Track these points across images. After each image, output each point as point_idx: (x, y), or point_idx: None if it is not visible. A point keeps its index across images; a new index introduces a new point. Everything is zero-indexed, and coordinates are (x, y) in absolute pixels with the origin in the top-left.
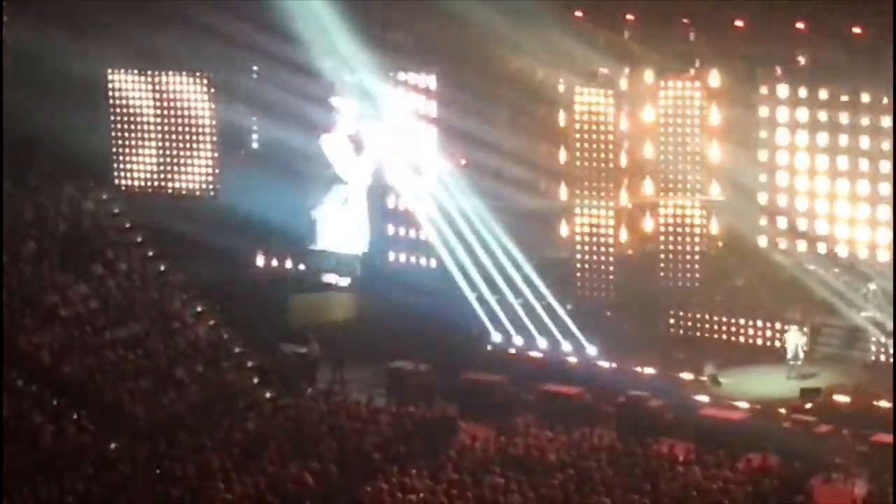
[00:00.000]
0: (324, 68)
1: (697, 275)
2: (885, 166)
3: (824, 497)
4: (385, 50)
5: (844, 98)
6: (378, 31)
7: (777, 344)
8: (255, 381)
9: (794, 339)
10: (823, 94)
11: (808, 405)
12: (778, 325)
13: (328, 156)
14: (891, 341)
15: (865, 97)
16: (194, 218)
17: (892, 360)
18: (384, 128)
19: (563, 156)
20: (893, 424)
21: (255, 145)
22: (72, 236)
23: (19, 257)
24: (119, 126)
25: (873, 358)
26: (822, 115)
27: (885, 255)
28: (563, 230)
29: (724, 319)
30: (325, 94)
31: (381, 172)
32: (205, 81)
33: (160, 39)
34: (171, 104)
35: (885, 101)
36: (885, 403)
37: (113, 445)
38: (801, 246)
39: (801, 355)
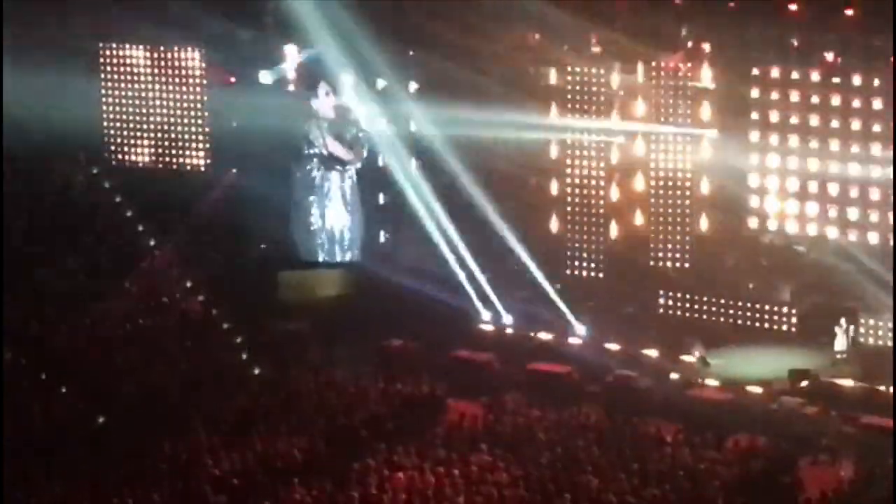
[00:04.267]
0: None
1: (688, 255)
2: (876, 149)
3: (811, 478)
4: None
5: (836, 80)
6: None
7: (766, 325)
8: (244, 357)
9: (843, 331)
10: (815, 77)
11: (797, 387)
12: (767, 307)
13: (314, 136)
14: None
15: (857, 79)
16: (187, 193)
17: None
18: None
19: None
20: (894, 410)
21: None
22: (62, 210)
23: (10, 231)
24: (112, 100)
25: (861, 341)
26: (814, 97)
27: (874, 238)
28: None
29: (714, 300)
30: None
31: (372, 152)
32: (199, 56)
33: (156, 13)
34: (166, 78)
35: (877, 82)
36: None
37: (101, 420)
38: (791, 227)
39: (850, 347)
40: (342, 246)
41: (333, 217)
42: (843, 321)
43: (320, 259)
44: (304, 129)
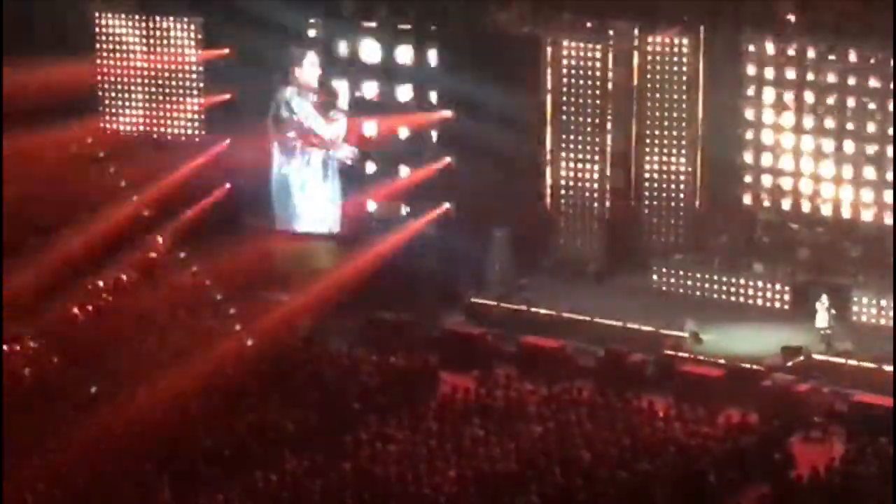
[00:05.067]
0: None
1: (681, 230)
2: (871, 126)
3: (803, 455)
4: None
5: (832, 57)
6: None
7: (759, 302)
8: (238, 328)
9: (825, 307)
10: (811, 54)
11: (789, 363)
12: (760, 283)
13: (295, 104)
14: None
15: (853, 57)
16: (181, 163)
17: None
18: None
19: (549, 107)
20: (894, 389)
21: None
22: (56, 180)
23: (2, 201)
24: (106, 69)
25: (854, 318)
26: (810, 75)
27: (868, 216)
28: (548, 182)
29: (707, 276)
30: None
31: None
32: (193, 27)
33: None
34: (160, 48)
35: (873, 60)
36: (867, 364)
37: (93, 389)
38: (786, 204)
39: (831, 323)
40: (321, 216)
41: (313, 187)
42: (824, 297)
43: (298, 229)
44: (286, 94)
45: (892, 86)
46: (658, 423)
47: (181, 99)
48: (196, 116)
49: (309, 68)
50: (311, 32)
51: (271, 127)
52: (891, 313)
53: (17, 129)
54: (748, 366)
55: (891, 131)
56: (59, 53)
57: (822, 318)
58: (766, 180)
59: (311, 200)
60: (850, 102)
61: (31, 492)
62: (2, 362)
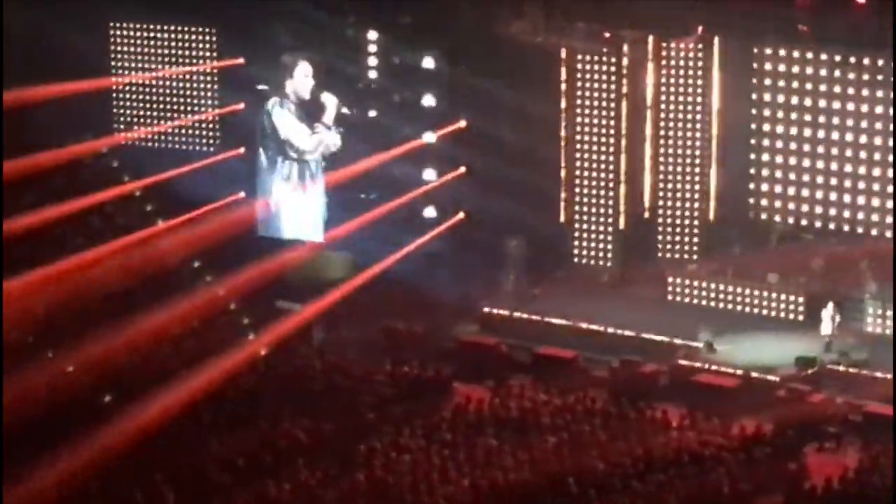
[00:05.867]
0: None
1: (696, 240)
2: (885, 137)
3: (817, 465)
4: None
5: (846, 68)
6: None
7: (773, 313)
8: (251, 337)
9: (830, 315)
10: (824, 65)
11: (803, 374)
12: (774, 295)
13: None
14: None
15: (867, 67)
16: (196, 174)
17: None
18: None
19: (563, 116)
20: (894, 398)
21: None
22: (70, 190)
23: (17, 209)
24: (121, 81)
25: (869, 329)
26: (823, 85)
27: (881, 227)
28: (562, 191)
29: (721, 287)
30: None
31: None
32: (208, 37)
33: None
34: (176, 59)
35: (884, 72)
36: (880, 374)
37: (106, 399)
38: (800, 215)
39: (835, 332)
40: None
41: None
42: (830, 305)
43: (271, 235)
44: (268, 105)
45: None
46: (672, 433)
47: (196, 109)
48: (211, 126)
49: (301, 79)
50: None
51: (258, 138)
52: None
53: (33, 145)
54: (762, 376)
55: None
56: (74, 67)
57: (826, 326)
58: (780, 190)
59: (291, 210)
60: (864, 113)
61: (42, 499)
62: (2, 367)
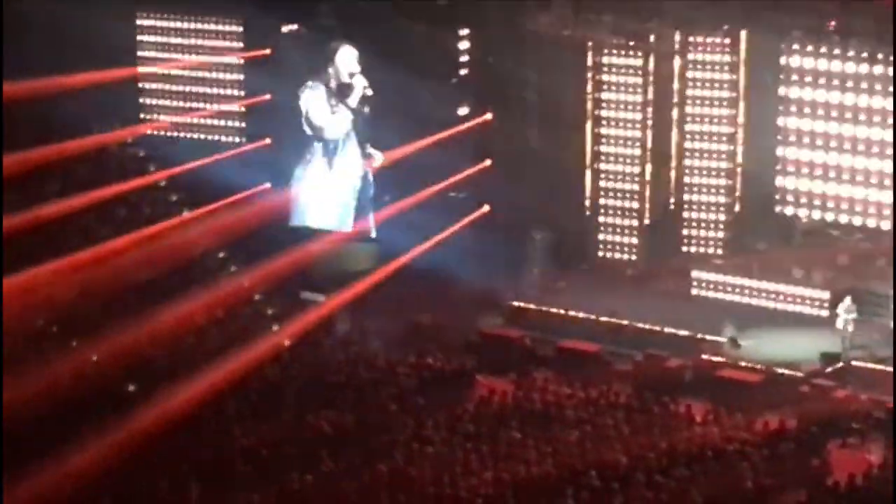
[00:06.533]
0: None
1: (721, 235)
2: None
3: (840, 461)
4: None
5: (873, 64)
6: None
7: (797, 308)
8: (275, 328)
9: (846, 311)
10: (851, 62)
11: (828, 370)
12: (798, 290)
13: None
14: None
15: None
16: (221, 165)
17: None
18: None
19: (589, 110)
20: (893, 404)
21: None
22: (95, 179)
23: (43, 198)
24: (148, 72)
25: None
26: (850, 81)
27: None
28: (587, 185)
29: (746, 282)
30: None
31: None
32: (237, 28)
33: None
34: (201, 51)
35: None
36: None
37: (131, 388)
38: (825, 211)
39: (852, 328)
40: (327, 212)
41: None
42: (847, 300)
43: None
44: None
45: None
46: (695, 427)
47: (222, 100)
48: (237, 117)
49: (342, 63)
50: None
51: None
52: None
53: (59, 133)
54: (786, 371)
55: None
56: (101, 55)
57: (841, 321)
58: (805, 186)
59: (317, 196)
60: (890, 110)
61: (63, 489)
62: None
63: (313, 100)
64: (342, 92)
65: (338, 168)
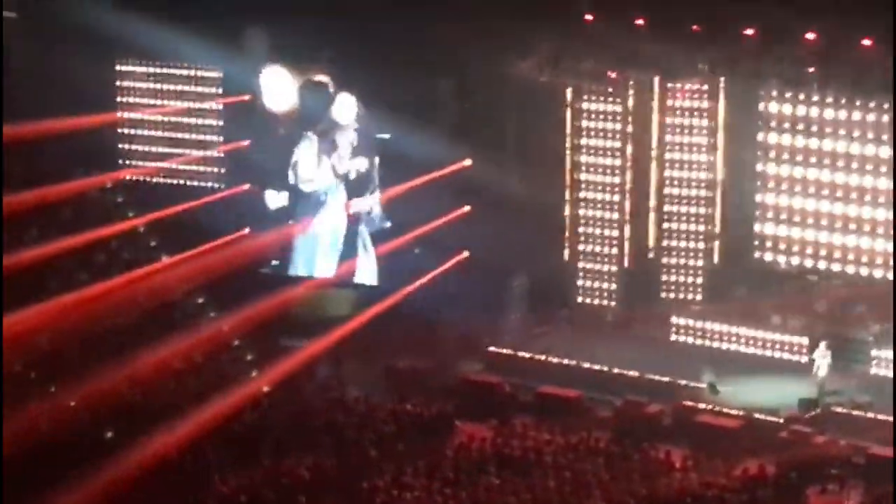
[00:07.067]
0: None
1: (700, 281)
2: (885, 180)
3: None
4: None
5: (851, 110)
6: None
7: (776, 354)
8: (254, 374)
9: (823, 356)
10: (830, 108)
11: (806, 416)
12: (777, 336)
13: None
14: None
15: (872, 110)
16: (201, 210)
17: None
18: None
19: (568, 156)
20: (893, 438)
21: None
22: (75, 224)
23: (21, 243)
24: (127, 119)
25: (872, 371)
26: (829, 128)
27: (885, 270)
28: (566, 231)
29: (725, 328)
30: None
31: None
32: (218, 75)
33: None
34: (180, 97)
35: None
36: (883, 417)
37: (109, 434)
38: (804, 257)
39: (825, 373)
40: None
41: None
42: (822, 345)
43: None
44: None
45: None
46: (675, 473)
47: (201, 146)
48: (216, 163)
49: (338, 111)
50: None
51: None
52: None
53: (39, 178)
54: (765, 417)
55: None
56: (81, 101)
57: (816, 367)
58: (784, 232)
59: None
60: (868, 156)
61: None
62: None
63: (304, 151)
64: (333, 143)
65: (323, 217)
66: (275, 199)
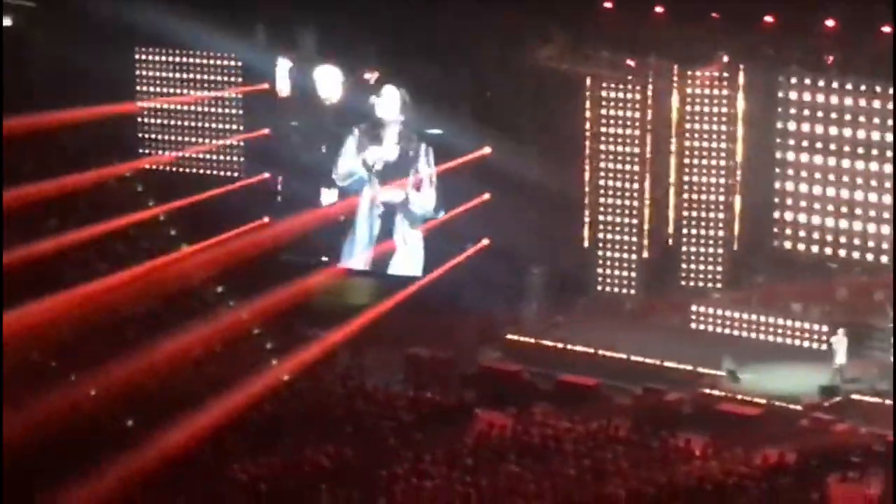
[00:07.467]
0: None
1: (719, 269)
2: None
3: (840, 495)
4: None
5: (871, 98)
6: None
7: (796, 342)
8: (274, 362)
9: (841, 343)
10: (849, 95)
11: (827, 403)
12: (798, 324)
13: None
14: None
15: (891, 98)
16: (220, 199)
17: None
18: None
19: (587, 144)
20: (893, 423)
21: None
22: (94, 214)
23: (40, 233)
24: (147, 107)
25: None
26: (848, 115)
27: None
28: (586, 219)
29: (744, 315)
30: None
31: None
32: (237, 64)
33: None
34: (200, 86)
35: None
36: None
37: (129, 423)
38: (824, 244)
39: (843, 360)
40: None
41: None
42: (840, 332)
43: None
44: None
45: None
46: (695, 461)
47: (221, 134)
48: (237, 154)
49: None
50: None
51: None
52: None
53: (58, 168)
54: (785, 405)
55: None
56: (100, 91)
57: (840, 355)
58: (804, 220)
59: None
60: (888, 143)
61: None
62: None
63: (347, 147)
64: (376, 136)
65: (362, 209)
66: (328, 197)
